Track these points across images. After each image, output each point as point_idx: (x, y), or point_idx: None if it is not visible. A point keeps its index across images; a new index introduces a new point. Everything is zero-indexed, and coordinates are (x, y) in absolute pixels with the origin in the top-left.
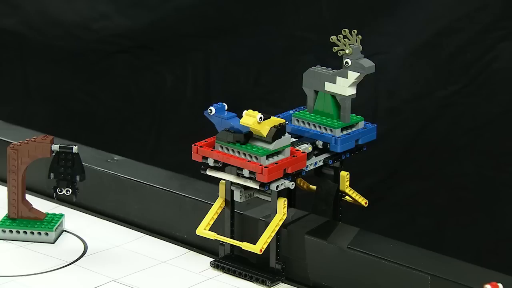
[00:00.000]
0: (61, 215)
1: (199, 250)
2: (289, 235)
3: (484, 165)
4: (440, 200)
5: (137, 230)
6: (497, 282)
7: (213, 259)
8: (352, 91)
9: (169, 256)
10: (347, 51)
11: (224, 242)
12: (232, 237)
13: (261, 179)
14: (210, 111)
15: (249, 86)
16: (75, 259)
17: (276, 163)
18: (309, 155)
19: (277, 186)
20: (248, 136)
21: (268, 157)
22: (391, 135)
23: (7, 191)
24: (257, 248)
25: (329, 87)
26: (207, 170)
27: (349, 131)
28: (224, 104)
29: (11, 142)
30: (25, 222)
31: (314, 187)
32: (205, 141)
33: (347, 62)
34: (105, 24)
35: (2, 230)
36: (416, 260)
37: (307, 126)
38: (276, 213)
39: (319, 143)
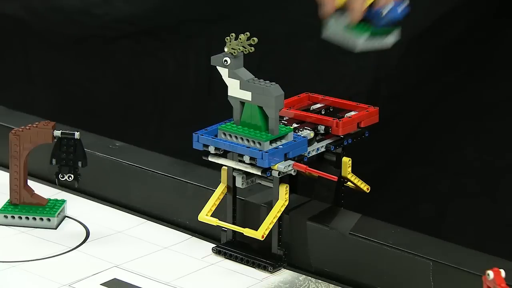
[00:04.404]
0: (63, 201)
1: (201, 236)
2: (291, 221)
3: (487, 151)
4: (442, 186)
5: (139, 216)
6: (499, 268)
7: (215, 245)
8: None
9: (171, 242)
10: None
11: (226, 228)
12: (234, 223)
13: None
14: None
15: (252, 71)
16: (77, 244)
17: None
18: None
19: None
20: None
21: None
22: (393, 121)
23: (9, 177)
24: (259, 234)
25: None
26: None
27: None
28: None
29: (13, 128)
30: (27, 208)
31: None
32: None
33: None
34: (107, 10)
35: (4, 216)
36: (418, 246)
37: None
38: (278, 199)
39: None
